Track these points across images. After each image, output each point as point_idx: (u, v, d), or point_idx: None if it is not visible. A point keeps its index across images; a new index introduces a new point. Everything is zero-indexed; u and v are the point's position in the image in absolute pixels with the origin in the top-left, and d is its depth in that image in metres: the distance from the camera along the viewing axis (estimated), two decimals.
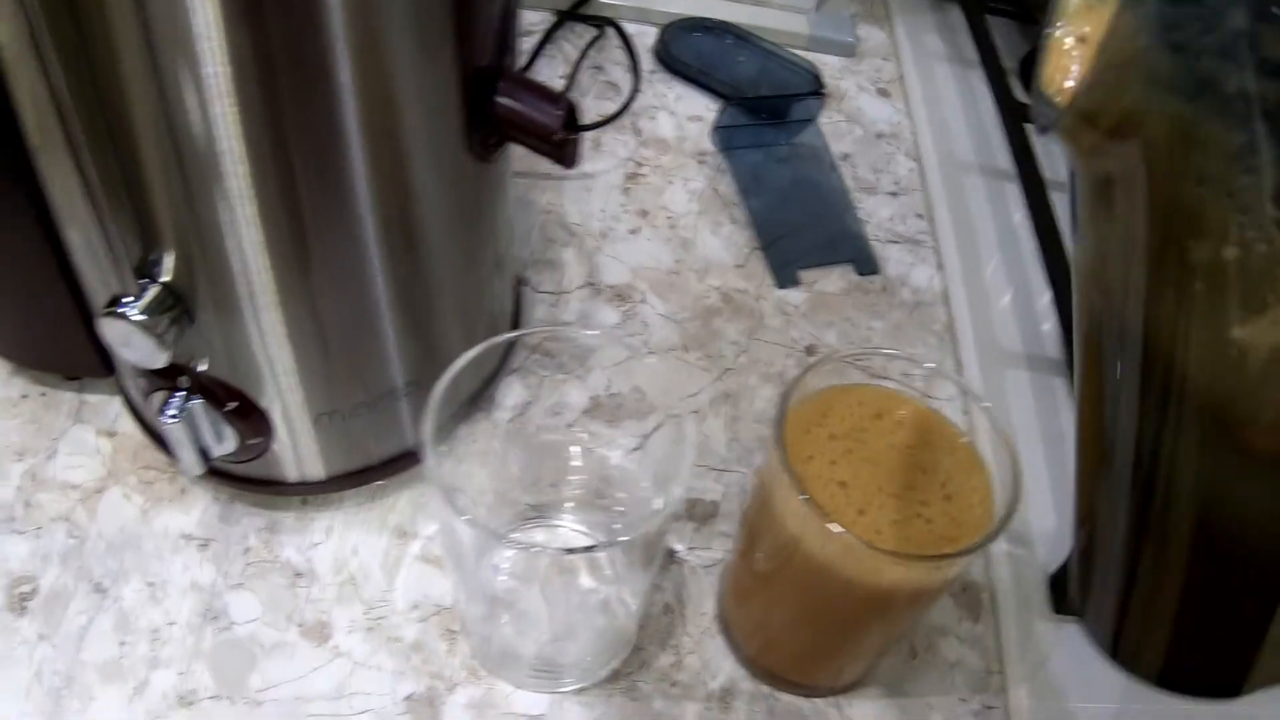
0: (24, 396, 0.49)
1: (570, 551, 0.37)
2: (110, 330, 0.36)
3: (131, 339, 0.36)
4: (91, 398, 0.49)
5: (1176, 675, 0.28)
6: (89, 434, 0.48)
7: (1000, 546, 0.47)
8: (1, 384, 0.49)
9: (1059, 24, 0.26)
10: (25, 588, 0.43)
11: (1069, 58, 0.26)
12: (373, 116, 0.33)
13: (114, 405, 0.49)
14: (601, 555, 0.43)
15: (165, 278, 0.36)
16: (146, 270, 0.36)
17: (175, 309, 0.37)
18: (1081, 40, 0.26)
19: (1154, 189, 0.25)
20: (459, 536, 0.38)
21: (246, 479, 0.45)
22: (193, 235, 0.35)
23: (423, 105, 0.35)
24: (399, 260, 0.39)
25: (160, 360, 0.36)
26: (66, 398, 0.49)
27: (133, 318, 0.35)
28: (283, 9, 0.29)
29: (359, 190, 0.35)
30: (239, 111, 0.31)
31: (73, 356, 0.46)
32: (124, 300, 0.36)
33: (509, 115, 0.37)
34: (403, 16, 0.32)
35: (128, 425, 0.48)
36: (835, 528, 0.32)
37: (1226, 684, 0.28)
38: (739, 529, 0.40)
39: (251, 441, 0.41)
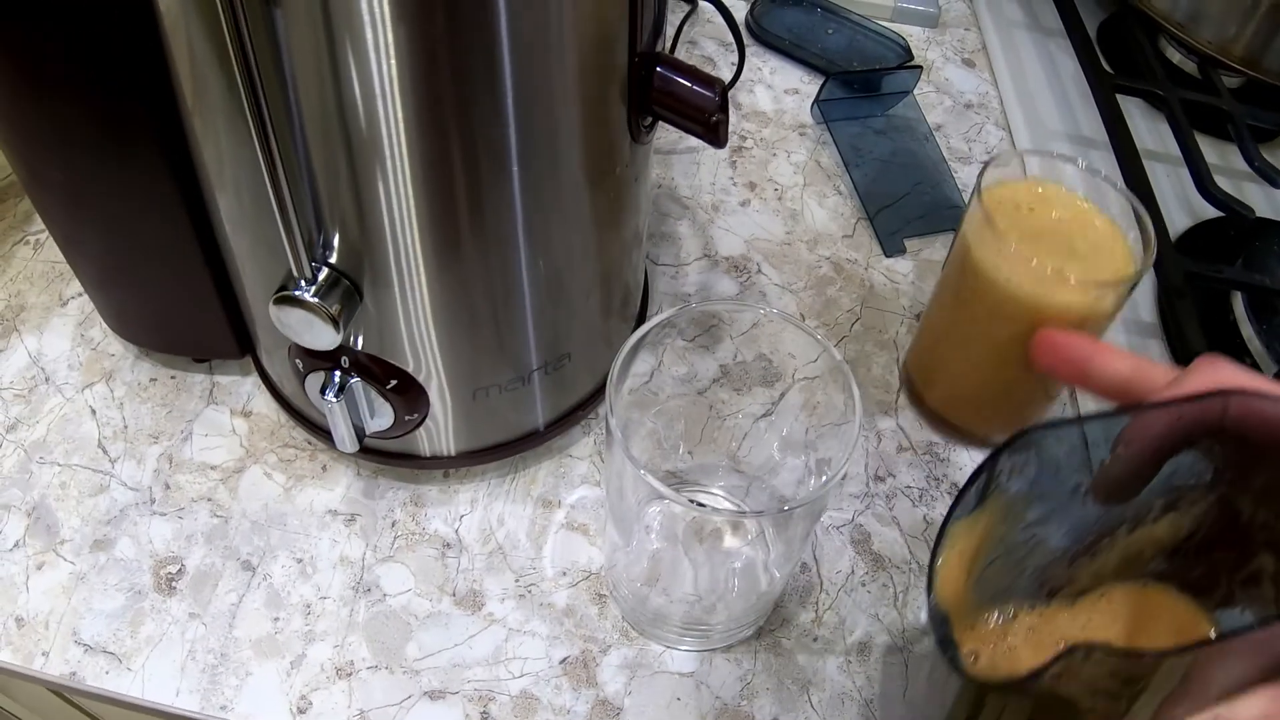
0: (153, 380, 0.49)
1: (733, 514, 0.38)
2: (283, 314, 0.36)
3: (305, 321, 0.36)
4: (223, 379, 0.49)
5: None
6: (223, 415, 0.48)
7: None
8: (129, 369, 0.50)
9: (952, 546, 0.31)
10: (171, 568, 0.44)
11: (951, 570, 0.31)
12: (534, 108, 0.34)
13: (246, 385, 0.49)
14: (750, 523, 0.44)
15: (333, 259, 0.37)
16: (316, 254, 0.37)
17: (347, 290, 0.37)
18: (960, 555, 0.31)
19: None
20: (627, 498, 0.39)
21: (386, 454, 0.45)
22: (356, 218, 0.35)
23: (584, 93, 0.36)
24: (551, 239, 0.39)
25: (333, 341, 0.37)
26: (198, 380, 0.49)
27: (307, 299, 0.36)
28: (450, 6, 0.30)
29: (516, 176, 0.36)
30: (404, 105, 0.32)
31: (207, 338, 0.47)
32: (297, 283, 0.36)
33: (668, 98, 0.38)
34: (573, 16, 0.33)
35: (262, 405, 0.48)
36: (1041, 264, 0.37)
37: None
38: (935, 293, 0.45)
39: (408, 418, 0.42)
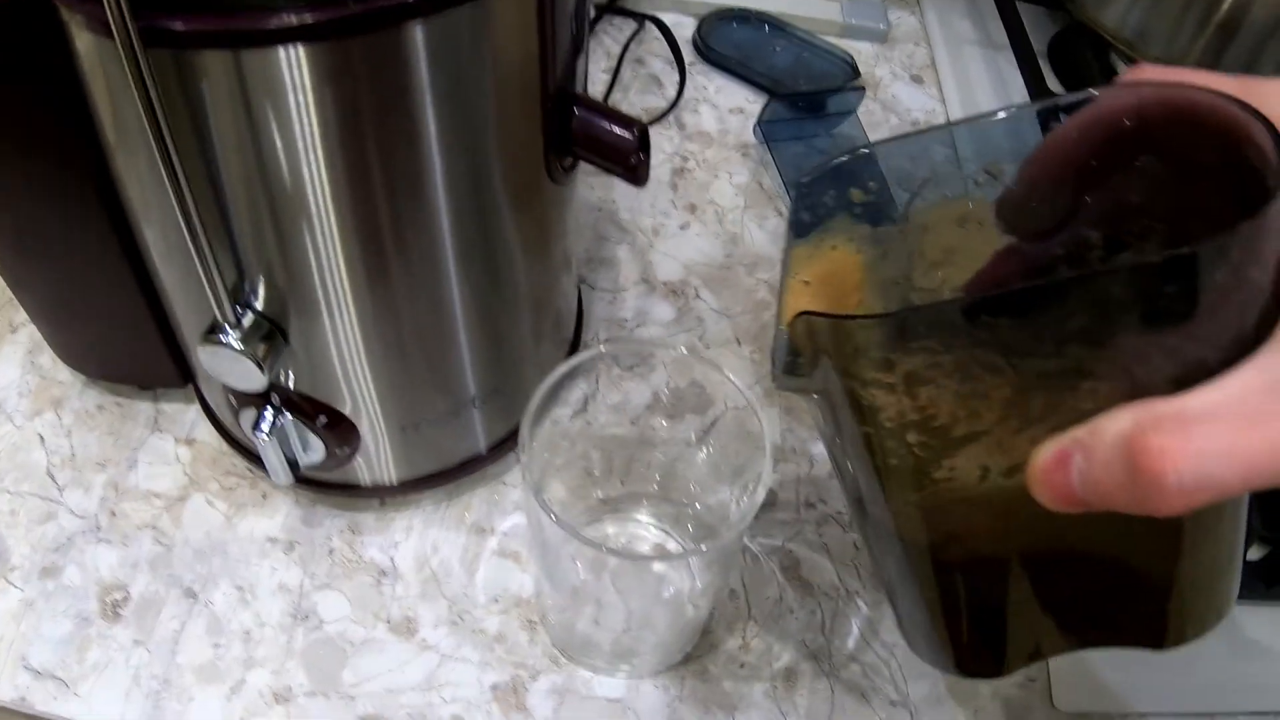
0: (100, 408, 0.50)
1: (655, 559, 0.39)
2: (210, 358, 0.37)
3: (232, 366, 0.37)
4: (167, 407, 0.50)
5: (971, 664, 0.33)
6: (168, 443, 0.49)
7: None
8: (77, 396, 0.51)
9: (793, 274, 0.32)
10: (117, 595, 0.45)
11: (800, 302, 0.31)
12: (455, 154, 0.35)
13: (190, 414, 0.50)
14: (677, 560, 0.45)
15: (259, 305, 0.38)
16: (240, 298, 0.37)
17: (271, 333, 0.38)
18: (806, 284, 0.32)
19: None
20: (546, 534, 0.40)
21: (325, 484, 0.46)
22: (281, 266, 0.36)
23: (504, 145, 0.36)
24: (478, 281, 0.40)
25: (260, 384, 0.38)
26: (143, 408, 0.50)
27: (234, 345, 0.37)
28: (371, 69, 0.31)
29: (441, 222, 0.36)
30: (326, 160, 0.32)
31: (149, 368, 0.48)
32: (222, 328, 0.37)
33: (587, 142, 0.39)
34: (489, 68, 0.33)
35: (205, 433, 0.49)
36: None
37: (991, 666, 0.32)
38: None
39: (339, 451, 0.43)
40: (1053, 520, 0.25)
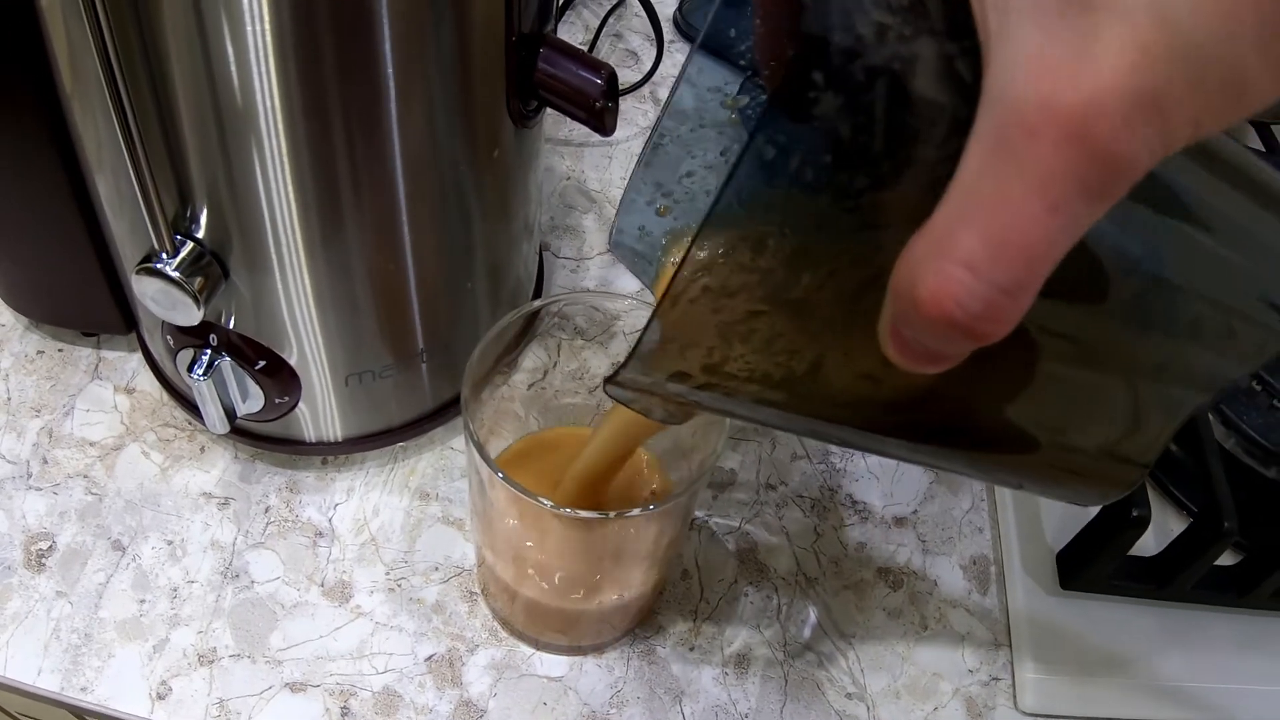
0: (40, 353, 0.49)
1: (599, 516, 0.37)
2: (145, 286, 0.36)
3: (167, 295, 0.36)
4: (109, 354, 0.49)
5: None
6: (107, 391, 0.48)
7: (1010, 522, 0.47)
8: (18, 340, 0.49)
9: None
10: (43, 544, 0.43)
11: None
12: (412, 81, 0.33)
13: (132, 362, 0.48)
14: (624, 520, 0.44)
15: (200, 234, 0.36)
16: (182, 226, 0.36)
17: (211, 266, 0.36)
18: None
19: None
20: (490, 498, 0.38)
21: (267, 438, 0.45)
22: (228, 192, 0.35)
23: (464, 70, 0.35)
24: (433, 223, 0.39)
25: (195, 317, 0.36)
26: (84, 354, 0.49)
27: (169, 273, 0.35)
28: None
29: (396, 154, 0.35)
30: (279, 73, 0.31)
31: (92, 312, 0.46)
32: (159, 256, 0.35)
33: (551, 82, 0.37)
34: None
35: (146, 382, 0.48)
36: None
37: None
38: None
39: (279, 400, 0.41)
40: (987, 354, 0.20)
